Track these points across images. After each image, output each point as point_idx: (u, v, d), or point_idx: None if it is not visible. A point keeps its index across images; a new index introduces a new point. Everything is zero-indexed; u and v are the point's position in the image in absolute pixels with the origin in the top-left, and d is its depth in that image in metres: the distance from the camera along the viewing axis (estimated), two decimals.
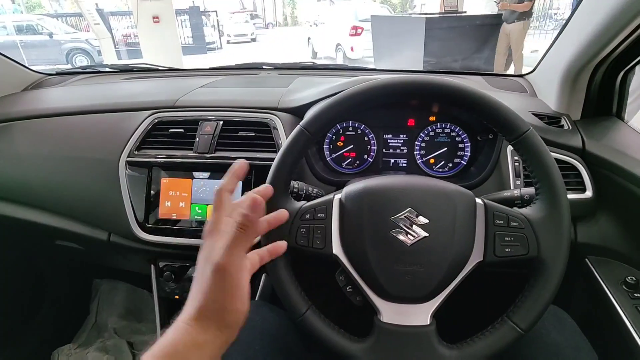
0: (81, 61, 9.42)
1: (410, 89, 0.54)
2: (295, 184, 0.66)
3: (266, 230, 0.51)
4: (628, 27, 0.66)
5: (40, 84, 1.20)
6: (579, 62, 0.77)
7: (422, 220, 0.52)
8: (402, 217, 0.52)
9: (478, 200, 0.54)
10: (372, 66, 6.82)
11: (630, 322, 0.62)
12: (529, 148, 0.52)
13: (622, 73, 0.79)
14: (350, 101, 0.54)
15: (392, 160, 0.89)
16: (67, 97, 1.08)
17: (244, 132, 0.81)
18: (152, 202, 0.81)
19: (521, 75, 1.10)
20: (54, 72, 1.30)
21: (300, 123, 0.55)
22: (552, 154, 0.75)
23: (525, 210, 0.54)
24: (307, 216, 0.55)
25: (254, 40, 15.43)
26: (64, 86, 1.17)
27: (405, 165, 0.89)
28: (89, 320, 1.45)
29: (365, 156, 0.89)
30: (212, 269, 0.42)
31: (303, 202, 0.57)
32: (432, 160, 0.87)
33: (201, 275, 0.43)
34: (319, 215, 0.55)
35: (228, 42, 14.80)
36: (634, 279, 0.67)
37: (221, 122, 0.83)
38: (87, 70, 1.33)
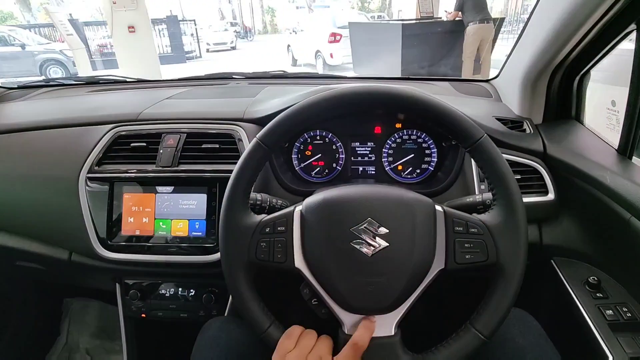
0: (56, 72, 9.20)
1: (365, 99, 0.54)
2: (258, 196, 0.65)
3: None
4: (577, 34, 0.68)
5: (0, 99, 1.16)
6: (536, 67, 0.79)
7: (382, 230, 0.51)
8: (362, 227, 0.51)
9: (438, 207, 0.54)
10: (351, 72, 6.90)
11: (592, 322, 0.63)
12: (483, 155, 0.52)
13: (578, 77, 0.81)
14: (304, 113, 0.54)
15: (361, 168, 0.89)
16: (26, 111, 1.04)
17: (208, 145, 0.80)
18: (114, 219, 0.78)
19: (487, 80, 1.12)
20: (16, 86, 1.26)
21: (257, 135, 0.55)
22: (514, 157, 0.77)
23: (484, 216, 0.54)
24: (267, 230, 0.54)
25: (233, 48, 15.40)
26: (25, 100, 1.13)
27: (373, 172, 0.89)
28: (59, 341, 1.40)
29: (334, 165, 0.89)
30: None
31: (263, 215, 0.56)
32: (400, 167, 0.87)
33: None
34: (279, 228, 0.54)
35: (207, 50, 14.73)
36: (596, 279, 0.68)
37: (185, 135, 0.81)
38: (51, 83, 1.29)
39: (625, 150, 0.70)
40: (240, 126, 0.82)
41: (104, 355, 1.36)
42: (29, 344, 1.31)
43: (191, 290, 0.85)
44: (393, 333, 0.52)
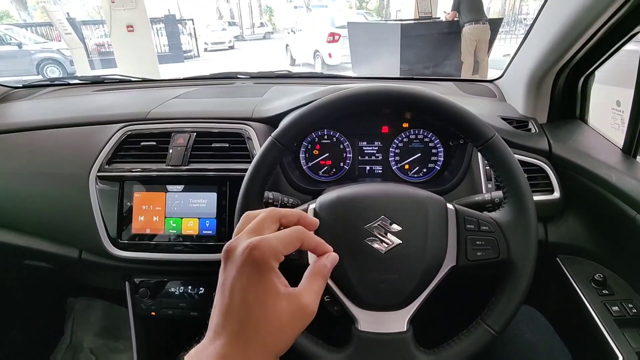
0: (52, 72, 9.16)
1: (379, 98, 0.55)
2: (270, 194, 0.66)
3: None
4: (584, 35, 0.69)
5: (5, 98, 1.16)
6: (541, 68, 0.80)
7: (395, 227, 0.52)
8: (376, 225, 0.52)
9: (449, 205, 0.55)
10: (350, 72, 6.90)
11: (599, 318, 0.64)
12: (494, 153, 0.53)
13: (582, 78, 0.82)
14: (320, 112, 0.55)
15: (368, 167, 0.90)
16: (34, 111, 1.05)
17: (218, 144, 0.81)
18: (124, 217, 0.79)
19: (491, 81, 1.13)
20: (21, 85, 1.26)
21: (272, 134, 0.55)
22: (520, 156, 0.78)
23: (495, 214, 0.55)
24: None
25: (231, 47, 15.38)
26: (31, 99, 1.14)
27: (380, 171, 0.90)
28: (64, 340, 1.40)
29: (341, 164, 0.90)
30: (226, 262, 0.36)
31: None
32: (406, 166, 0.88)
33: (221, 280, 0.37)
34: None
35: (205, 50, 14.70)
36: (602, 276, 0.70)
37: (194, 134, 0.82)
38: (56, 82, 1.29)
39: (630, 150, 0.72)
40: (249, 125, 0.83)
41: (109, 355, 1.36)
42: (33, 343, 1.31)
43: (200, 289, 0.85)
44: (405, 329, 0.52)
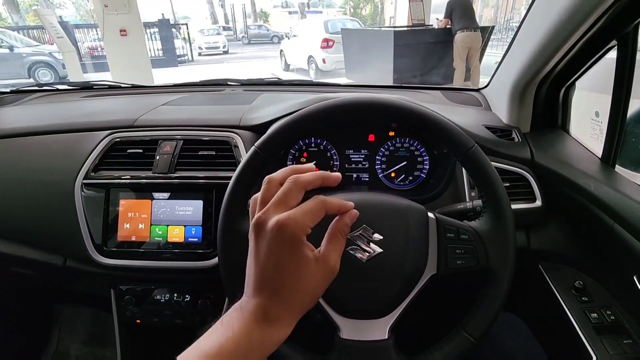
0: (44, 75, 9.09)
1: (362, 109, 0.56)
2: None
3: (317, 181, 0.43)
4: (563, 47, 0.71)
5: None
6: (524, 78, 0.82)
7: (377, 236, 0.53)
8: (357, 234, 0.53)
9: (430, 214, 0.56)
10: (343, 78, 6.90)
11: (578, 325, 0.65)
12: (473, 164, 0.54)
13: (563, 89, 0.84)
14: (302, 122, 0.56)
15: (355, 175, 0.91)
16: (21, 117, 1.04)
17: (205, 151, 0.81)
18: (110, 225, 0.79)
19: (477, 90, 1.15)
20: (9, 90, 1.25)
21: (255, 144, 0.56)
22: (503, 165, 0.80)
23: (474, 223, 0.56)
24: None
25: (226, 52, 15.39)
26: (19, 105, 1.13)
27: (367, 179, 0.91)
28: (49, 348, 1.38)
29: (328, 172, 0.90)
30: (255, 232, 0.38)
31: None
32: (393, 174, 0.89)
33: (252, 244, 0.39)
34: None
35: (200, 54, 14.71)
36: (582, 283, 0.71)
37: (181, 141, 0.82)
38: (45, 88, 1.28)
39: (608, 159, 0.73)
40: (236, 133, 0.83)
41: None
42: (18, 350, 1.29)
43: (186, 296, 0.85)
44: (387, 337, 0.53)
